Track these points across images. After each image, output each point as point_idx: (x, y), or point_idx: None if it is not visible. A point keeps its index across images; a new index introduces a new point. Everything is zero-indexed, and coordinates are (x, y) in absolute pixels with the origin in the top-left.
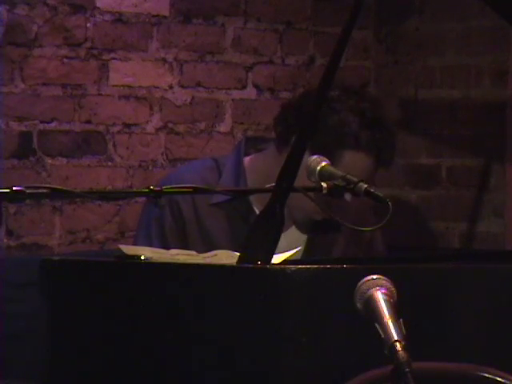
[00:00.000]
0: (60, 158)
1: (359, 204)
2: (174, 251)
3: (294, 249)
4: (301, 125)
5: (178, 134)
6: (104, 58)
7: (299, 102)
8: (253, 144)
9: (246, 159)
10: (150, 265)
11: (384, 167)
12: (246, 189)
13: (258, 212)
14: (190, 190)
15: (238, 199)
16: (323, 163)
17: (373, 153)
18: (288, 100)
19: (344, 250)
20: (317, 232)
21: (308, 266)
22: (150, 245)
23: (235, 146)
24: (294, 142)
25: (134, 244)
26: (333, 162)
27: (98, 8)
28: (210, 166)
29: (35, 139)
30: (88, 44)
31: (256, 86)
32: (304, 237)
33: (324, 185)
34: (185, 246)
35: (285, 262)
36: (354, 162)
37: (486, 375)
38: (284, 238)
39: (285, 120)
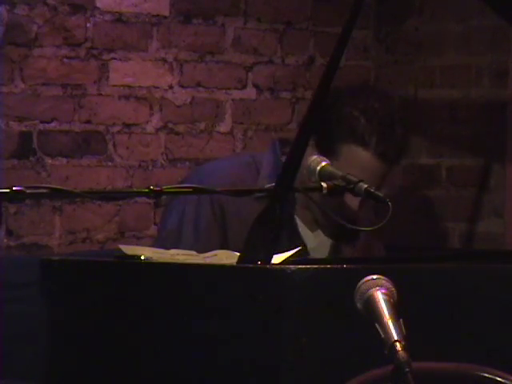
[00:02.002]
0: (60, 158)
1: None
2: (173, 251)
3: (320, 248)
4: (301, 124)
5: (178, 133)
6: (104, 57)
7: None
8: (284, 146)
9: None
10: (150, 265)
11: (391, 167)
12: (245, 189)
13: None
14: (190, 190)
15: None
16: (323, 163)
17: (380, 154)
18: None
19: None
20: (339, 239)
21: (308, 266)
22: (198, 239)
23: (270, 146)
24: (293, 141)
25: (178, 239)
26: (337, 153)
27: (98, 8)
28: (247, 161)
29: (35, 139)
30: (88, 44)
31: (256, 86)
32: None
33: (324, 185)
34: (224, 240)
35: (285, 261)
36: (356, 157)
37: (486, 375)
38: (314, 238)
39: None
